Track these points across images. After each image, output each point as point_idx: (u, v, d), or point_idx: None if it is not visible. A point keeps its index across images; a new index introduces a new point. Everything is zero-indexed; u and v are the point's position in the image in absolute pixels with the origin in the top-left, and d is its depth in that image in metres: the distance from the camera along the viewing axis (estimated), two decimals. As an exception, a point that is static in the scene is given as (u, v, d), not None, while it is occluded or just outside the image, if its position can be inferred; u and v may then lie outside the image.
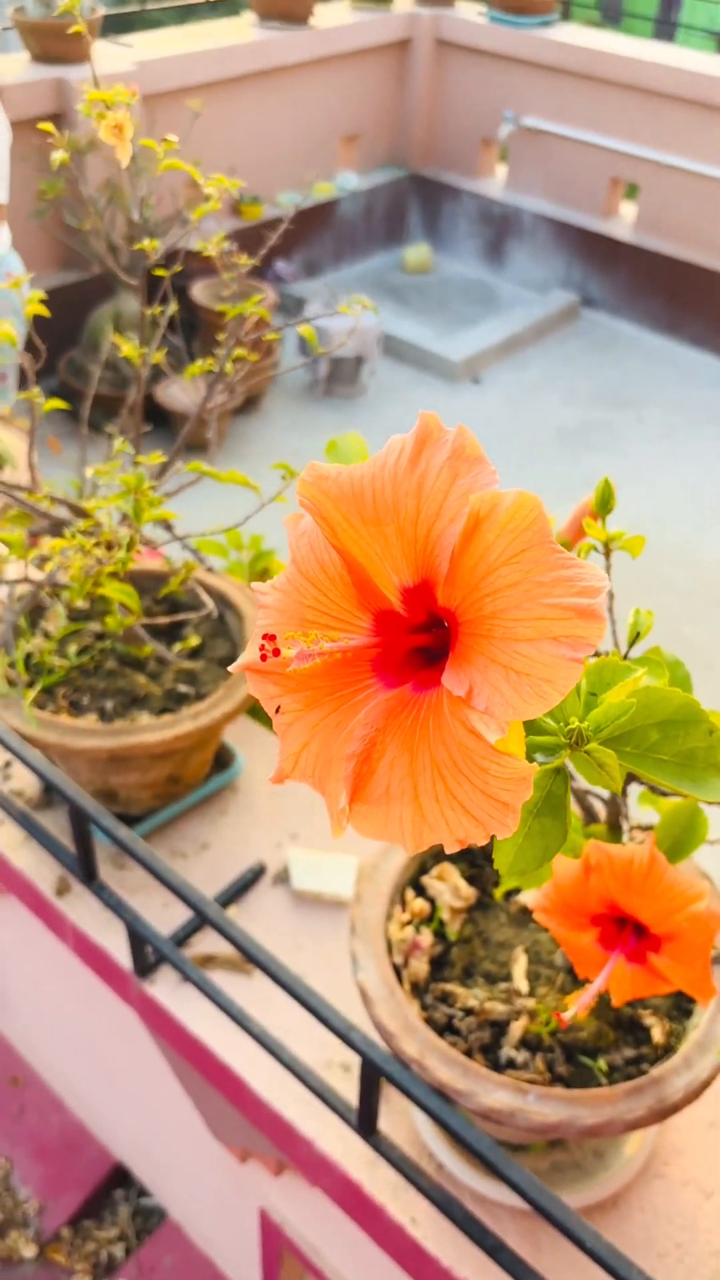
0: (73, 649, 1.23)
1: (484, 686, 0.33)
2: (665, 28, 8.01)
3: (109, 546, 0.94)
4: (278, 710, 0.39)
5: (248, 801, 1.36)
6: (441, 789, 0.34)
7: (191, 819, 1.33)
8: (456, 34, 5.65)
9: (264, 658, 0.36)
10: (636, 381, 5.20)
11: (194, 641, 1.18)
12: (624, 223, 5.57)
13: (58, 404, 1.13)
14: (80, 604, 1.21)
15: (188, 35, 4.90)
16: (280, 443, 4.49)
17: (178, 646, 1.18)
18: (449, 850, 0.35)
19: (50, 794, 1.34)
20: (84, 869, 1.12)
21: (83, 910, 1.23)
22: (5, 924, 1.68)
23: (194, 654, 1.26)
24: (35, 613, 1.28)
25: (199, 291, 4.50)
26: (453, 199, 6.07)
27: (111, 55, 4.43)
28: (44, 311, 1.22)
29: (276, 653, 0.35)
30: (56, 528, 1.12)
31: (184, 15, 5.26)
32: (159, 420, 4.24)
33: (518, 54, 5.44)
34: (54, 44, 4.17)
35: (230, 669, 0.42)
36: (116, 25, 4.92)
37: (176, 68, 4.59)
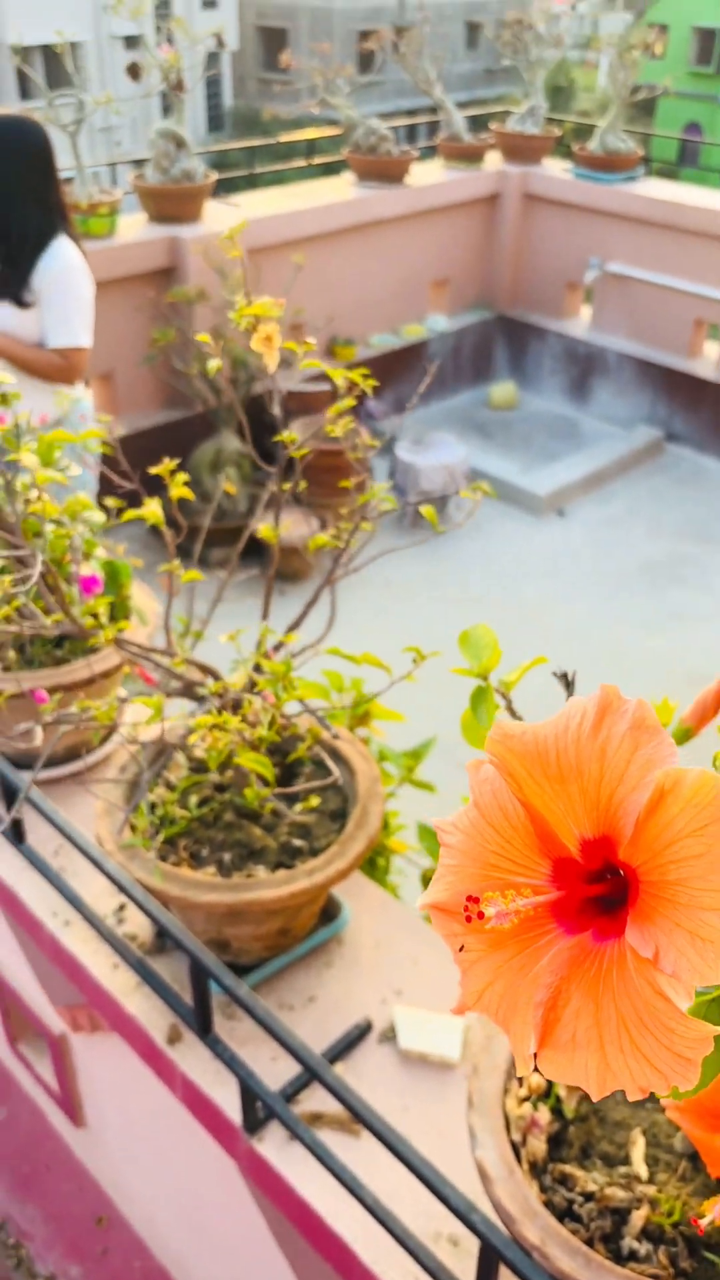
0: (193, 800, 1.29)
1: (670, 950, 0.36)
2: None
3: (250, 722, 0.99)
4: (461, 948, 0.43)
5: (353, 954, 1.37)
6: (626, 1041, 0.37)
7: (298, 970, 1.35)
8: (543, 189, 5.96)
9: (469, 919, 0.40)
10: (722, 515, 5.24)
11: (314, 802, 1.22)
12: (708, 362, 5.70)
13: (194, 576, 1.21)
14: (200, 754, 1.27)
15: (291, 194, 5.27)
16: (370, 573, 4.60)
17: (298, 807, 1.22)
18: (631, 1099, 0.38)
19: (162, 939, 1.38)
20: (200, 1022, 1.14)
21: (193, 1061, 1.25)
22: (107, 1062, 1.70)
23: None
24: (155, 759, 1.34)
25: (297, 429, 4.71)
26: (538, 338, 6.30)
27: (220, 214, 4.78)
28: (108, 450, 1.32)
29: (481, 915, 0.39)
30: (189, 689, 1.19)
31: (288, 176, 5.65)
32: (257, 551, 4.39)
33: (602, 206, 5.71)
34: (169, 205, 4.52)
35: (418, 905, 0.46)
36: (225, 186, 5.31)
37: (280, 224, 4.93)
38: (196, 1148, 1.49)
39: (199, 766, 1.33)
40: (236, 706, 1.19)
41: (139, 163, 4.69)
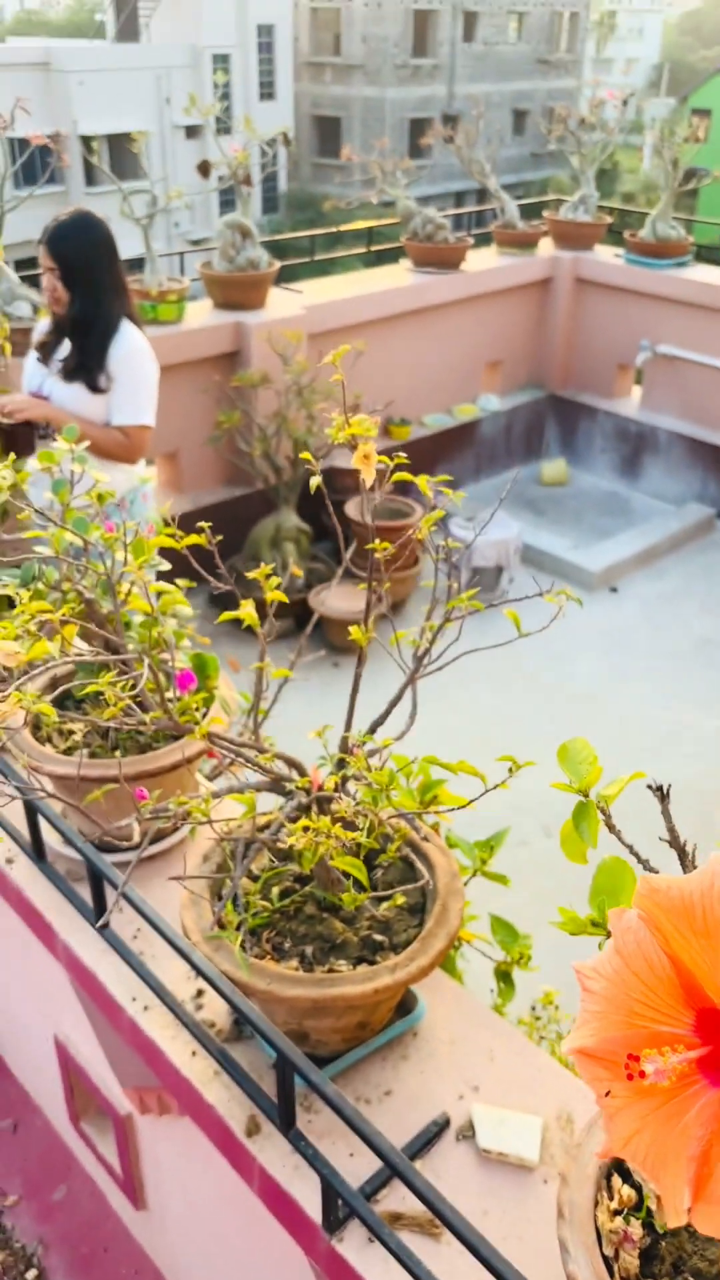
0: (275, 891, 1.32)
1: None
2: None
3: (348, 825, 1.03)
4: (607, 1093, 0.45)
5: (428, 1047, 1.38)
6: (778, 1192, 0.39)
7: (374, 1062, 1.36)
8: (595, 273, 6.10)
9: (630, 1078, 0.43)
10: (776, 593, 5.23)
11: (400, 900, 1.24)
12: (760, 441, 5.75)
13: (284, 673, 1.25)
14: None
15: (350, 281, 5.45)
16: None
17: (384, 906, 1.24)
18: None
19: (240, 1027, 1.40)
20: (284, 1117, 1.16)
21: (272, 1154, 1.26)
22: (174, 1147, 1.71)
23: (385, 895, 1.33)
24: (241, 850, 1.38)
25: (352, 507, 4.81)
26: (589, 417, 6.39)
27: (283, 300, 4.95)
28: (172, 544, 1.37)
29: (643, 1074, 0.42)
30: (277, 783, 1.22)
31: (348, 263, 5.85)
32: (306, 621, 4.45)
33: (654, 291, 5.82)
34: (235, 293, 4.69)
35: (563, 1050, 0.49)
36: (287, 272, 5.50)
37: (340, 310, 5.09)
38: (266, 1240, 1.49)
39: (280, 856, 1.36)
40: (324, 802, 1.22)
41: (196, 243, 4.90)
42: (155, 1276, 2.05)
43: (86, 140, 24.78)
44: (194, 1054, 1.39)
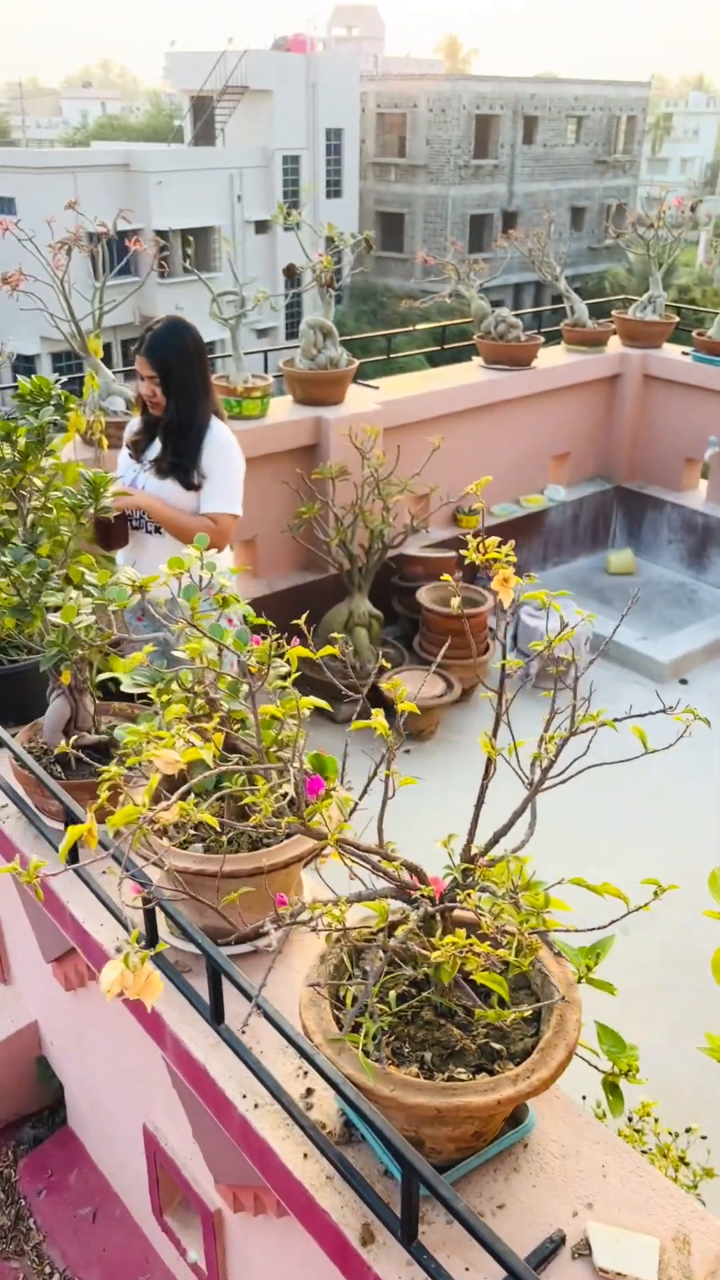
0: (392, 995, 1.34)
1: None
2: None
3: (492, 941, 1.06)
4: None
5: (539, 1160, 1.38)
6: None
7: (486, 1173, 1.36)
8: (663, 370, 6.21)
9: None
10: None
11: (526, 1013, 1.26)
12: None
13: (410, 781, 1.29)
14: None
15: (425, 378, 5.62)
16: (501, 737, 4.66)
17: (511, 1016, 1.26)
18: None
19: (350, 1129, 1.41)
20: (405, 1229, 1.17)
21: (388, 1265, 1.26)
22: (271, 1246, 1.71)
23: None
24: (358, 953, 1.40)
25: (424, 594, 4.89)
26: (656, 509, 6.45)
27: (361, 396, 5.11)
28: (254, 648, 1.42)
29: None
30: (402, 890, 1.26)
31: (421, 360, 6.03)
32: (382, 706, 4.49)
33: (720, 388, 5.92)
34: (315, 390, 4.86)
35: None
36: (364, 371, 5.69)
37: (415, 405, 5.24)
38: None
39: (396, 959, 1.39)
40: (447, 910, 1.26)
41: (263, 332, 5.08)
42: None
43: (162, 234, 25.94)
44: (305, 1156, 1.40)
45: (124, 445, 3.35)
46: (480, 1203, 1.33)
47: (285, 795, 1.28)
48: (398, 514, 4.85)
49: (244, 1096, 1.49)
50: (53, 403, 1.73)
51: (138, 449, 3.27)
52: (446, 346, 5.99)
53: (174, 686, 1.43)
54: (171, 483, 3.13)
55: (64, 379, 2.01)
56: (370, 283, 32.20)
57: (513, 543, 1.29)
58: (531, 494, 6.20)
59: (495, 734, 1.27)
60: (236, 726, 1.62)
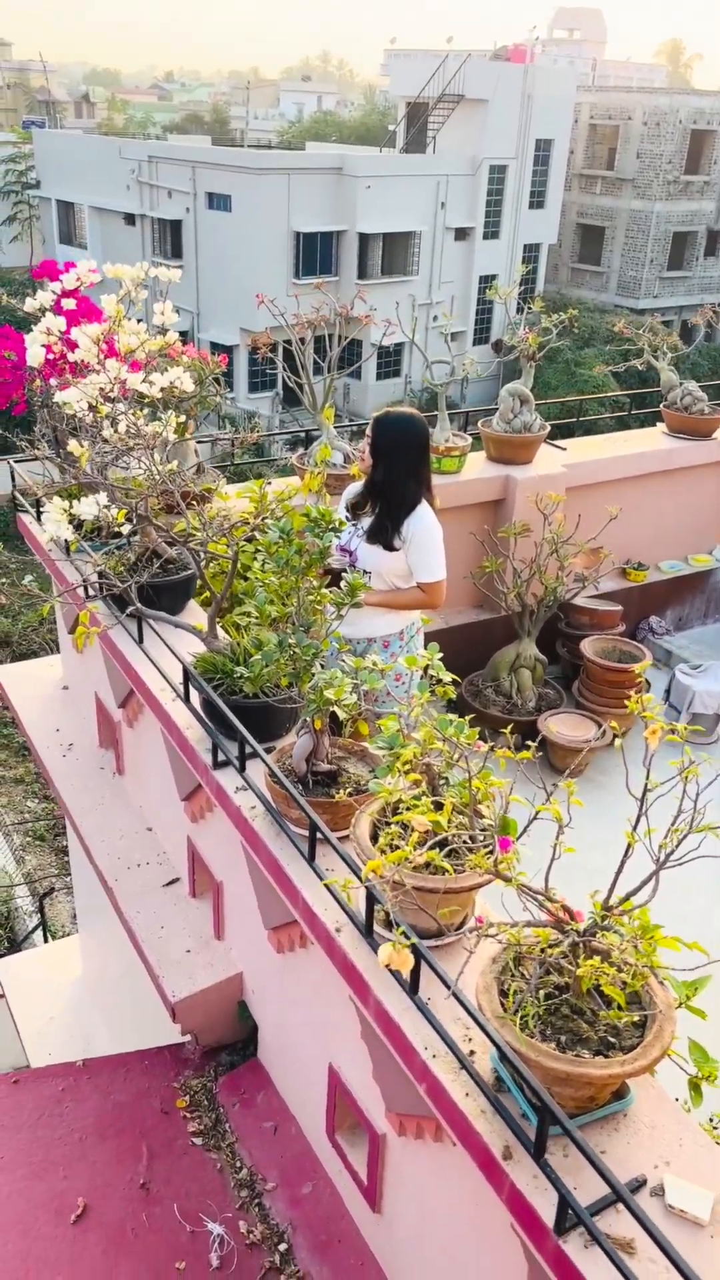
0: (541, 994, 1.91)
1: None
2: None
3: (616, 967, 1.62)
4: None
5: (633, 1127, 1.93)
6: None
7: (594, 1128, 1.91)
8: None
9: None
10: None
11: (635, 1018, 1.82)
12: None
13: (557, 815, 1.86)
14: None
15: (609, 441, 6.08)
16: (638, 777, 5.11)
17: (625, 1019, 1.81)
18: None
19: (500, 1082, 1.99)
20: (538, 1148, 1.75)
21: (521, 1174, 1.83)
22: (426, 1165, 2.31)
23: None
24: (518, 961, 1.98)
25: (588, 644, 5.38)
26: None
27: (548, 457, 5.63)
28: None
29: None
30: (558, 923, 1.83)
31: (605, 425, 6.47)
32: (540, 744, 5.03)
33: None
34: (508, 450, 5.42)
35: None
36: (552, 433, 6.20)
37: (598, 468, 5.72)
38: (492, 1245, 2.06)
39: (549, 968, 1.96)
40: (588, 941, 1.82)
41: (454, 336, 5.64)
42: (377, 1269, 2.64)
43: (364, 237, 26.90)
44: (467, 1094, 1.99)
45: (343, 503, 4.02)
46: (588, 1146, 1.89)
47: (489, 849, 1.88)
48: (570, 570, 5.35)
49: (425, 1049, 2.09)
50: (332, 528, 2.36)
51: (355, 511, 3.93)
52: (634, 412, 6.41)
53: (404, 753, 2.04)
54: (379, 548, 3.79)
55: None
56: (563, 294, 32.25)
57: (651, 696, 1.83)
58: (700, 554, 6.57)
59: (636, 825, 1.81)
60: (441, 781, 2.22)
